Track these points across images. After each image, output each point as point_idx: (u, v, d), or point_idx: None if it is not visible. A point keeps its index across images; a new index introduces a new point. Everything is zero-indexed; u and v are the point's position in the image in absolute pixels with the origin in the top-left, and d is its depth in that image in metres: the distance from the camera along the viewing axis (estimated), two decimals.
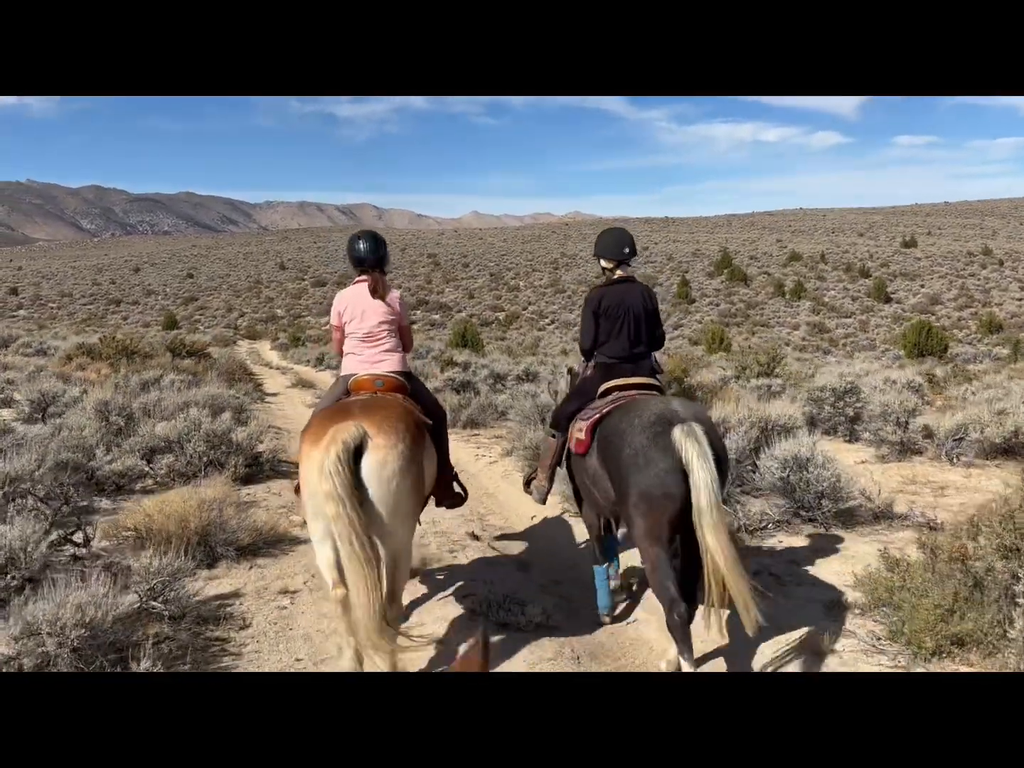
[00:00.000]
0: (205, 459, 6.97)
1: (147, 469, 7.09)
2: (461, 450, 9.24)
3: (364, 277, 4.59)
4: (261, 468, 7.53)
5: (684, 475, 3.61)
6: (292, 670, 3.92)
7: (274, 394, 15.74)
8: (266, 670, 3.89)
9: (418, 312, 63.49)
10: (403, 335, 4.68)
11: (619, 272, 4.75)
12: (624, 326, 4.64)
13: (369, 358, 4.49)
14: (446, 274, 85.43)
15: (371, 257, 4.59)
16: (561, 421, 4.74)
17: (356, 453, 3.61)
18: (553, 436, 4.88)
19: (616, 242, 4.80)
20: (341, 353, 4.69)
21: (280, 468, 7.83)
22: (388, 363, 4.49)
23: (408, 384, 4.51)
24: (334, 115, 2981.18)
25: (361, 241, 4.63)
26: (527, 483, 5.19)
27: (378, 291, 4.52)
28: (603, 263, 4.84)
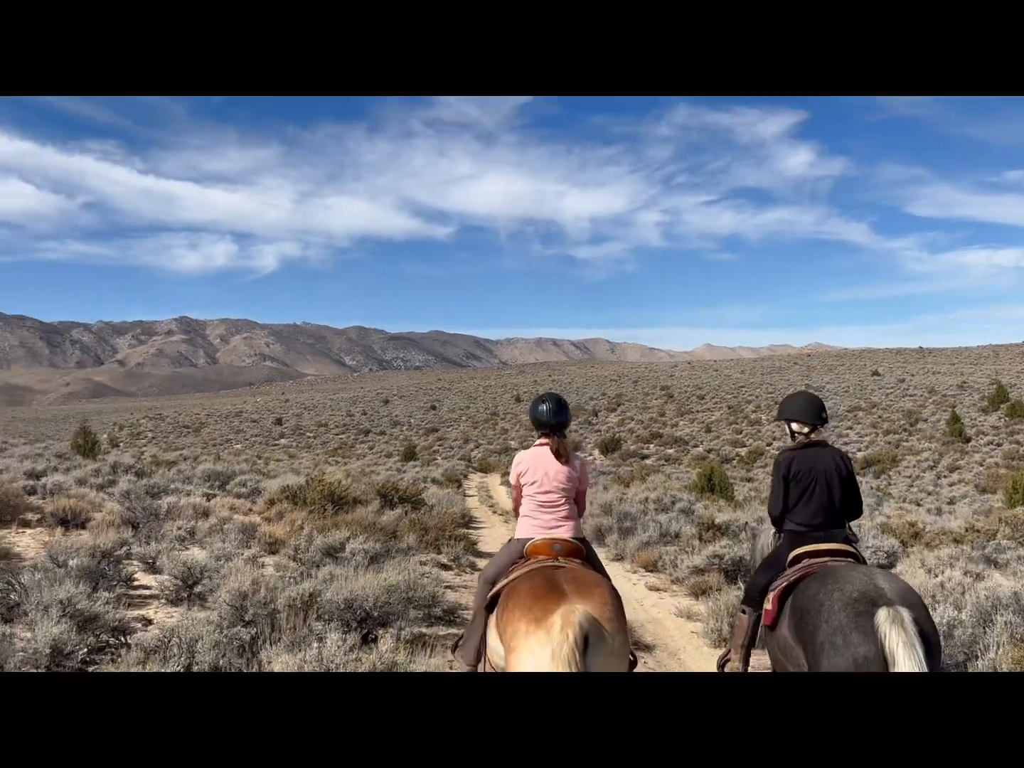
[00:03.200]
0: None
1: None
2: None
3: (545, 440, 4.59)
4: None
5: (884, 663, 3.37)
6: None
7: (490, 555, 13.04)
8: None
9: (651, 446, 60.41)
10: (580, 500, 4.66)
11: (812, 436, 4.63)
12: (816, 492, 4.46)
13: (545, 523, 4.44)
14: (680, 406, 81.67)
15: (553, 420, 4.58)
16: (754, 595, 4.50)
17: (585, 638, 3.45)
18: (744, 612, 4.58)
19: (811, 405, 4.69)
20: (519, 514, 4.65)
21: None
22: (564, 529, 4.45)
23: (584, 549, 4.46)
24: (573, 257, 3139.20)
25: (544, 404, 4.61)
26: (721, 667, 4.85)
27: (561, 455, 4.52)
28: (794, 426, 4.72)
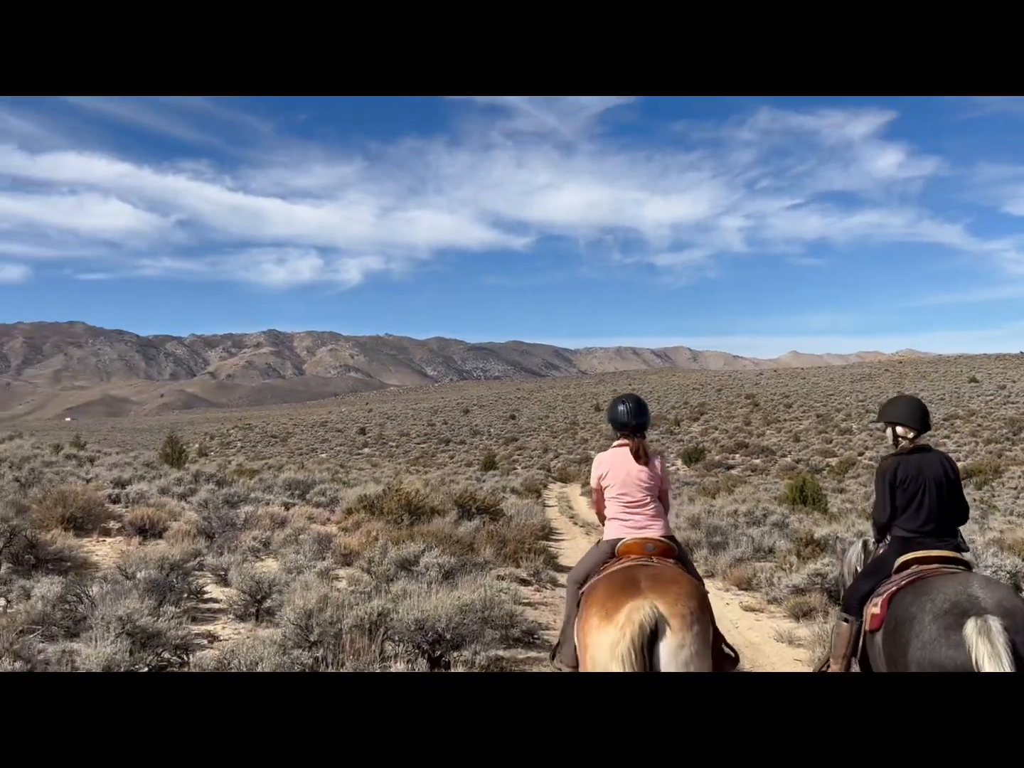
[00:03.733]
0: None
1: None
2: None
3: (625, 441, 4.58)
4: None
5: None
6: None
7: (570, 569, 12.46)
8: None
9: (736, 456, 58.59)
10: (663, 499, 4.63)
11: (916, 441, 4.50)
12: (924, 498, 4.33)
13: (635, 524, 4.42)
14: (766, 415, 79.18)
15: (633, 422, 4.57)
16: (854, 604, 4.38)
17: (651, 634, 3.44)
18: (846, 621, 4.42)
19: (916, 409, 4.57)
20: (601, 515, 4.71)
21: None
22: (655, 528, 4.43)
23: (676, 548, 4.43)
24: (653, 264, 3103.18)
25: (624, 404, 4.61)
26: None
27: (641, 456, 4.50)
28: (899, 430, 4.56)
